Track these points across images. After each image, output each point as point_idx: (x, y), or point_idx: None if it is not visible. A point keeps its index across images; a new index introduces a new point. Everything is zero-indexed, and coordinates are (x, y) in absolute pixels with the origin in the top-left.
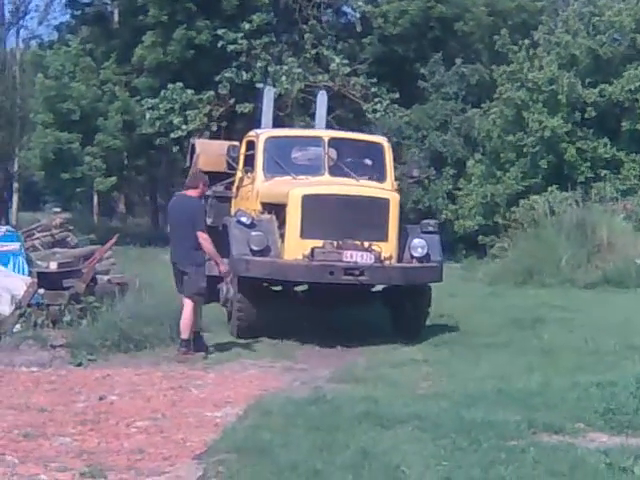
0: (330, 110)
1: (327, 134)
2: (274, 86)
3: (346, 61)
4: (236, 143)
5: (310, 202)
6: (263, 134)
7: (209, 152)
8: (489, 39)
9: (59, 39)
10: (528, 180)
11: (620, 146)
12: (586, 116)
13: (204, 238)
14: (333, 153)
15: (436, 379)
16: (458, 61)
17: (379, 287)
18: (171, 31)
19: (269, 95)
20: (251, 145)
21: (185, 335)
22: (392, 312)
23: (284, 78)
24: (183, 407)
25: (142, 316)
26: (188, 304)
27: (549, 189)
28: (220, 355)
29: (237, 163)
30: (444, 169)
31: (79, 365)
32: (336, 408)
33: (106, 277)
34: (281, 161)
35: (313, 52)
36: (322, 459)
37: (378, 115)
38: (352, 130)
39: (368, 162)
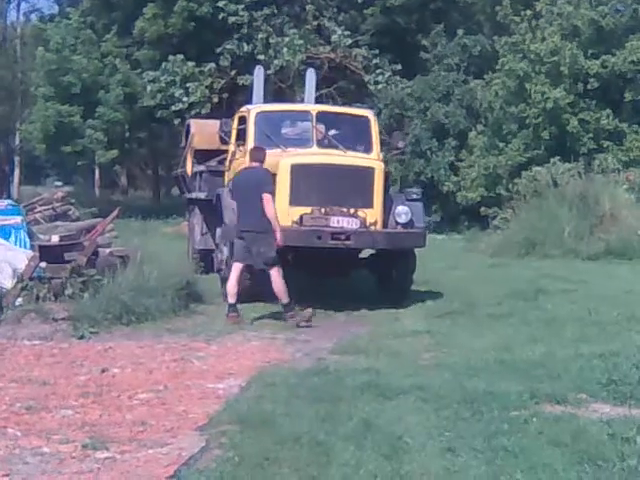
0: (332, 82)
1: (315, 108)
2: (275, 58)
3: (348, 32)
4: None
5: (299, 171)
6: (254, 109)
7: (203, 131)
8: (491, 10)
9: (60, 12)
10: (530, 151)
11: (623, 117)
12: (589, 87)
13: (268, 200)
14: (322, 127)
15: (438, 350)
16: (460, 32)
17: (366, 254)
18: (172, 3)
19: (259, 74)
20: (243, 120)
21: (284, 299)
22: (378, 278)
23: (285, 50)
24: (185, 379)
25: (144, 289)
26: (274, 273)
27: (551, 160)
28: (222, 327)
29: (229, 138)
30: (446, 140)
31: (81, 338)
32: (339, 379)
33: (108, 250)
34: (271, 134)
35: (314, 23)
36: (325, 430)
37: (380, 87)
38: (354, 102)
39: (355, 134)
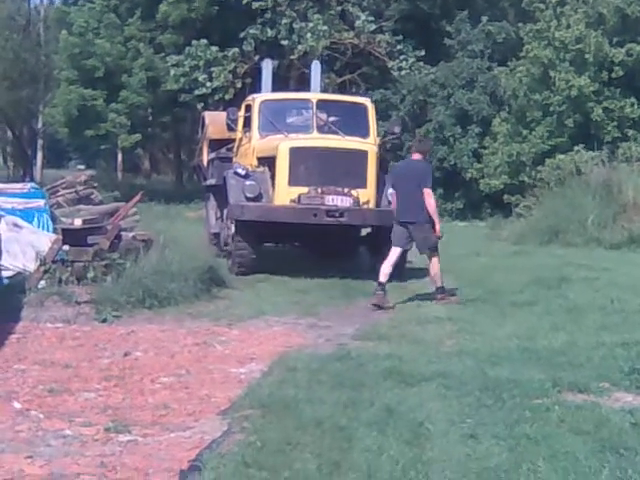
0: (355, 67)
1: (315, 96)
2: (299, 43)
3: (372, 18)
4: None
5: (297, 154)
6: (259, 98)
7: (217, 123)
8: None
9: None
10: (554, 139)
11: None
12: (613, 75)
13: (429, 194)
14: (324, 115)
15: (461, 337)
16: (484, 19)
17: (365, 233)
18: None
19: (268, 67)
20: (249, 108)
21: (439, 283)
22: (374, 256)
23: (309, 35)
24: (207, 363)
25: (166, 272)
26: (434, 260)
27: (575, 148)
28: (244, 312)
29: (236, 125)
30: (469, 127)
31: (104, 321)
32: (360, 365)
33: (130, 234)
34: (274, 121)
35: (338, 9)
36: (346, 415)
37: (403, 73)
38: (377, 88)
39: (353, 121)
